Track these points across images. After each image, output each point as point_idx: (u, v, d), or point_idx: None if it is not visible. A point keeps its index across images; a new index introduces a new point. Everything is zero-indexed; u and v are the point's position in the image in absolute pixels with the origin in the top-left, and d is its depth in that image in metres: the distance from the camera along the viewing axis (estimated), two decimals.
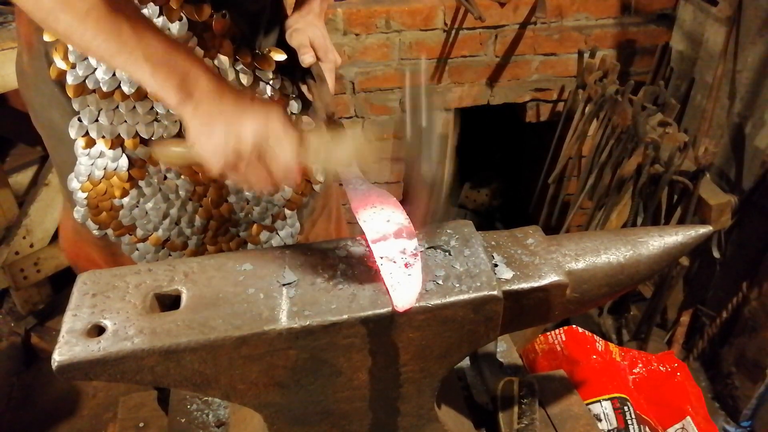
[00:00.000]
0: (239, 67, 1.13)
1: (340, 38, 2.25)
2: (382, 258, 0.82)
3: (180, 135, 1.12)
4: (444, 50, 2.41)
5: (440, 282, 0.82)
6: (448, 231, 0.91)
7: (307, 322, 0.77)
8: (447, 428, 0.95)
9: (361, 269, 0.85)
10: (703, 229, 0.96)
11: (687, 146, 1.92)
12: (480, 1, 2.27)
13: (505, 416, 1.09)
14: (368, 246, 0.85)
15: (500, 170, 3.28)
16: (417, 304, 0.79)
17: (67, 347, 0.74)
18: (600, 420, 1.35)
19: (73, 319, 0.77)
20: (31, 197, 2.34)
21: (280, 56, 1.18)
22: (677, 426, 1.57)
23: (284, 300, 0.80)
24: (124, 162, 1.12)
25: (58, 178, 1.26)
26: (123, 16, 0.81)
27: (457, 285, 0.82)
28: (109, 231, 1.19)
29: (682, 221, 2.02)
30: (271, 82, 1.19)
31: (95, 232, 1.19)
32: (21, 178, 2.69)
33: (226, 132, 0.81)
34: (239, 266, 0.85)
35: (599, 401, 1.38)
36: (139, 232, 1.20)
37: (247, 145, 0.81)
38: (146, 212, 1.18)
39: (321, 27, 1.22)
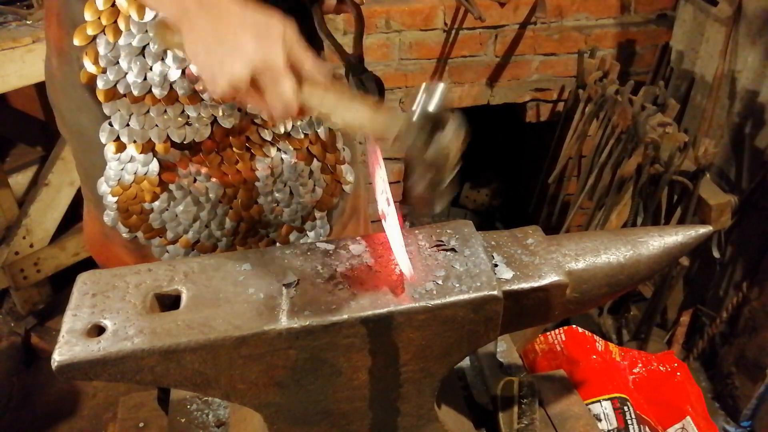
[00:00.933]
0: None
1: (341, 38, 2.25)
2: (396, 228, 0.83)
3: (212, 137, 1.12)
4: (444, 50, 2.41)
5: (440, 282, 0.82)
6: (448, 231, 0.91)
7: (307, 322, 0.77)
8: (447, 428, 0.95)
9: (361, 269, 0.85)
10: (703, 229, 0.96)
11: (687, 146, 1.92)
12: (480, 1, 2.27)
13: (505, 416, 1.09)
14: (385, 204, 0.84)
15: (500, 170, 3.28)
16: (417, 304, 0.79)
17: (67, 347, 0.74)
18: (600, 420, 1.35)
19: (73, 319, 0.77)
20: (31, 197, 2.34)
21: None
22: (677, 426, 1.57)
23: (284, 300, 0.80)
24: (155, 166, 1.11)
25: (82, 183, 1.24)
26: None
27: (457, 285, 0.82)
28: (139, 234, 1.18)
29: (682, 221, 2.02)
30: None
31: (125, 235, 1.18)
32: (21, 178, 2.69)
33: (219, 55, 0.74)
34: (239, 266, 0.85)
35: (599, 401, 1.38)
36: (170, 235, 1.19)
37: (241, 75, 0.74)
38: (176, 215, 1.17)
39: None
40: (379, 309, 0.79)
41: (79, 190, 2.36)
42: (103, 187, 1.14)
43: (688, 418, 1.57)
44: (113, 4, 1.00)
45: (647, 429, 1.40)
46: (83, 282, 0.83)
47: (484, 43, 2.42)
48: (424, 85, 0.79)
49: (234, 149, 1.14)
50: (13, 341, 2.40)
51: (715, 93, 2.16)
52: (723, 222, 1.97)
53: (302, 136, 1.19)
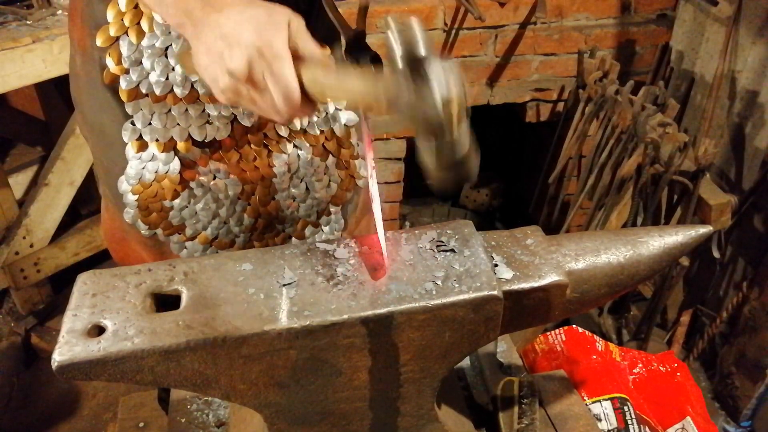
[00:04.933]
0: None
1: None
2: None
3: (232, 135, 1.13)
4: (444, 50, 2.41)
5: (440, 282, 0.82)
6: (448, 231, 0.91)
7: (307, 322, 0.77)
8: (447, 428, 0.95)
9: (362, 269, 0.85)
10: (703, 229, 0.96)
11: (687, 146, 1.92)
12: (480, 1, 2.27)
13: (505, 416, 1.09)
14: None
15: (500, 170, 3.28)
16: (417, 304, 0.79)
17: (67, 347, 0.74)
18: (600, 420, 1.35)
19: (73, 319, 0.77)
20: (31, 197, 2.34)
21: (325, 52, 1.14)
22: (677, 426, 1.57)
23: (284, 300, 0.80)
24: (176, 165, 1.12)
25: (101, 181, 1.25)
26: None
27: (457, 285, 0.82)
28: (159, 231, 1.19)
29: (682, 221, 2.02)
30: None
31: (144, 232, 1.19)
32: (21, 178, 2.69)
33: (219, 48, 0.73)
34: (239, 266, 0.85)
35: (599, 401, 1.37)
36: (188, 231, 1.20)
37: (240, 65, 0.72)
38: (196, 212, 1.18)
39: None
40: (379, 309, 0.79)
41: (79, 190, 2.38)
42: (124, 185, 1.15)
43: (688, 418, 1.57)
44: (136, 6, 1.01)
45: (647, 429, 1.40)
46: (83, 282, 0.83)
47: (484, 43, 2.42)
48: (393, 25, 0.71)
49: (252, 146, 1.15)
50: (13, 341, 2.40)
51: (715, 93, 2.16)
52: (723, 222, 1.97)
53: (318, 132, 1.20)
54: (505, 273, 0.86)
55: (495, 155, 3.22)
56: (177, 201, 1.15)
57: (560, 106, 2.61)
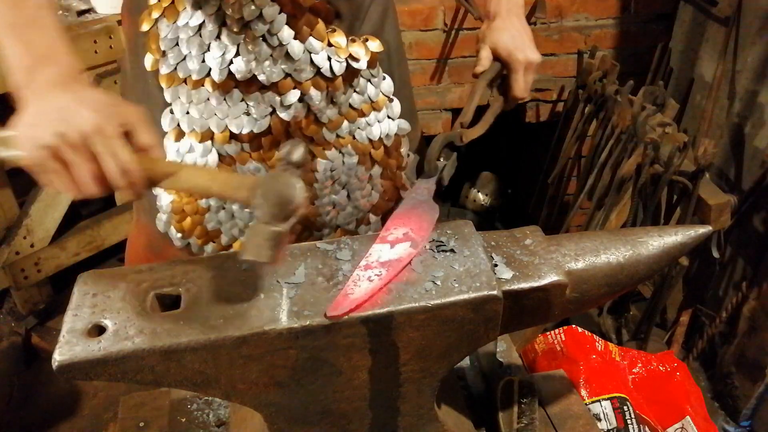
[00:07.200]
0: (333, 54, 1.08)
1: None
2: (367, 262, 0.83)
3: (271, 130, 1.10)
4: (444, 50, 2.41)
5: (440, 282, 0.82)
6: (448, 231, 0.91)
7: (307, 322, 0.77)
8: (447, 428, 0.95)
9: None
10: (703, 229, 0.96)
11: (687, 146, 1.92)
12: (480, 2, 2.27)
13: (505, 416, 1.09)
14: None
15: (500, 170, 3.28)
16: (417, 304, 0.79)
17: (68, 347, 0.74)
18: (600, 420, 1.35)
19: (73, 319, 0.77)
20: (32, 197, 2.34)
21: (375, 45, 1.12)
22: (677, 426, 1.58)
23: (284, 300, 0.80)
24: (213, 157, 1.10)
25: None
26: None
27: (457, 285, 0.82)
28: (192, 240, 1.16)
29: (681, 221, 2.01)
30: (372, 79, 1.14)
31: (177, 243, 1.16)
32: (21, 178, 2.69)
33: (56, 119, 0.71)
34: (239, 266, 0.85)
35: (599, 401, 1.38)
36: (224, 239, 1.16)
37: (77, 133, 0.71)
38: (233, 215, 1.15)
39: (508, 27, 1.10)
40: (379, 309, 0.79)
41: None
42: None
43: (688, 417, 1.57)
44: None
45: (647, 429, 1.40)
46: (84, 282, 0.83)
47: None
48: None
49: None
50: (14, 341, 2.40)
51: (714, 93, 2.16)
52: (722, 222, 1.96)
53: (366, 141, 1.17)
54: (505, 273, 0.86)
55: (495, 155, 3.22)
56: (213, 200, 1.13)
57: (560, 106, 2.61)
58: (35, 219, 2.33)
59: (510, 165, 3.29)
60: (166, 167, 0.80)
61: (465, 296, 0.80)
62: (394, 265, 0.83)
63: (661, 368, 1.65)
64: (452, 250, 0.87)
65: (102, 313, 0.78)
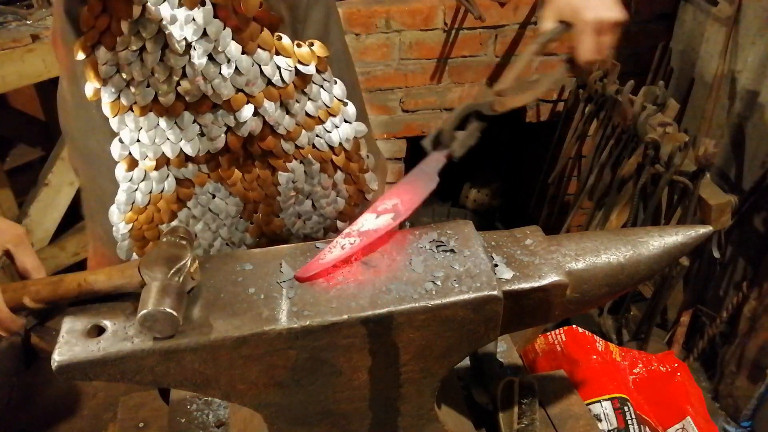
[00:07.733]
0: (281, 61, 1.02)
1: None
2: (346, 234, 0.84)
3: (228, 148, 1.05)
4: (444, 50, 2.41)
5: (440, 282, 0.82)
6: (448, 231, 0.91)
7: (307, 322, 0.77)
8: (447, 428, 0.95)
9: (360, 267, 0.84)
10: (703, 229, 0.96)
11: (687, 146, 1.92)
12: (480, 1, 2.27)
13: (505, 416, 1.09)
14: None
15: (500, 170, 3.28)
16: (417, 304, 0.79)
17: (67, 347, 0.74)
18: (600, 420, 1.35)
19: (73, 319, 0.77)
20: (31, 197, 2.34)
21: (322, 50, 1.07)
22: (677, 426, 1.57)
23: (284, 300, 0.80)
24: (171, 183, 1.06)
25: (91, 220, 1.18)
26: None
27: (457, 285, 0.82)
28: None
29: (682, 221, 2.01)
30: (324, 84, 1.09)
31: None
32: (21, 178, 2.69)
33: None
34: (239, 266, 0.85)
35: (599, 401, 1.38)
36: None
37: None
38: (196, 235, 1.12)
39: None
40: (379, 309, 0.78)
41: (78, 190, 2.37)
42: (115, 215, 1.09)
43: (689, 418, 1.57)
44: (104, 9, 0.95)
45: (647, 429, 1.40)
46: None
47: (484, 43, 2.42)
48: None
49: (255, 163, 1.10)
50: (13, 341, 2.40)
51: (715, 93, 2.15)
52: (723, 222, 1.96)
53: (327, 148, 1.14)
54: (505, 273, 0.86)
55: (495, 155, 3.22)
56: (175, 223, 1.09)
57: (560, 106, 2.61)
58: (35, 219, 2.33)
59: (510, 165, 3.29)
60: (49, 286, 0.79)
61: (465, 296, 0.80)
62: (369, 235, 0.84)
63: (661, 368, 1.65)
64: (452, 250, 0.87)
65: (101, 314, 0.78)
